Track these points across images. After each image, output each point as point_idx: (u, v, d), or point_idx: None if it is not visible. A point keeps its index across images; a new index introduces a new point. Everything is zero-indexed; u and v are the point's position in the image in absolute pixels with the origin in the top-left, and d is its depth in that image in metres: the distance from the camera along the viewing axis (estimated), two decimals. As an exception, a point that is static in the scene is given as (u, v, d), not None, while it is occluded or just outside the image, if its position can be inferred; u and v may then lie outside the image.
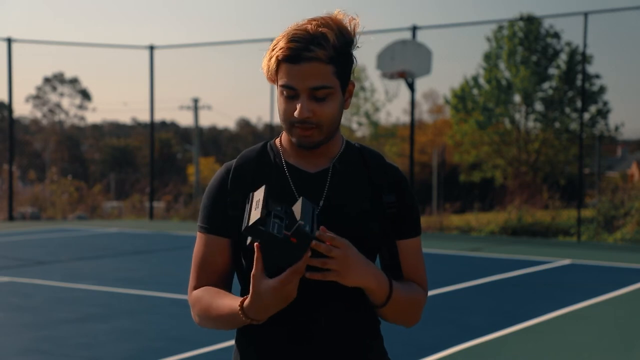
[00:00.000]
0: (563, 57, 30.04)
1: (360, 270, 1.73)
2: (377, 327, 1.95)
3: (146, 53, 19.40)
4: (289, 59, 1.78)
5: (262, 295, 1.67)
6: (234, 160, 1.93)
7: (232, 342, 5.78)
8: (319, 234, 1.66)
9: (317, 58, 1.77)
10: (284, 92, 1.81)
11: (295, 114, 1.79)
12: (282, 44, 1.79)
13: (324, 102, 1.80)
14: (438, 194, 30.67)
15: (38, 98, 55.50)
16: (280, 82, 1.81)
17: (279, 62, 1.80)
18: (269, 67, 1.84)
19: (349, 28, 1.83)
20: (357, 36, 1.85)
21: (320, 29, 1.79)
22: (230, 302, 1.79)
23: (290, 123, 1.82)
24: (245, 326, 1.89)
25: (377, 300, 1.82)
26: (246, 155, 1.94)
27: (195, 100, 34.31)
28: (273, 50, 1.81)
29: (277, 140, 1.95)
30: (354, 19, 1.85)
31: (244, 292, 1.89)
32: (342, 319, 1.84)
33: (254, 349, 1.88)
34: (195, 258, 1.93)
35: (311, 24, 1.80)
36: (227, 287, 1.92)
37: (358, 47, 1.86)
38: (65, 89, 55.78)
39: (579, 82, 28.97)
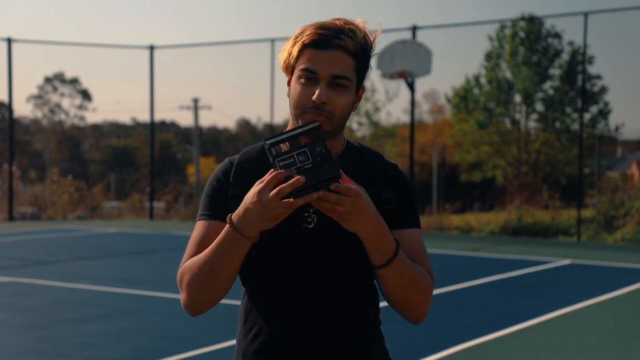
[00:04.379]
0: (565, 57, 30.01)
1: (364, 221, 1.71)
2: (378, 327, 1.96)
3: (146, 53, 19.43)
4: (316, 44, 1.81)
5: (247, 198, 1.69)
6: (237, 156, 1.94)
7: (232, 342, 5.79)
8: (336, 185, 1.64)
9: (345, 47, 1.81)
10: (303, 77, 1.82)
11: (314, 97, 1.80)
12: (310, 30, 1.82)
13: (341, 93, 1.83)
14: (438, 194, 30.63)
15: (39, 97, 55.47)
16: (300, 67, 1.83)
17: (303, 48, 1.83)
18: (290, 54, 1.85)
19: (370, 35, 1.88)
20: (375, 44, 1.89)
21: (348, 26, 1.84)
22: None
23: (302, 109, 1.82)
24: (248, 323, 1.90)
25: (377, 258, 1.78)
26: (248, 152, 1.95)
27: (195, 100, 34.24)
28: (297, 37, 1.84)
29: None
30: (376, 31, 1.90)
31: (245, 282, 1.92)
32: (344, 320, 1.85)
33: (257, 346, 1.88)
34: (194, 240, 1.90)
35: (339, 21, 1.85)
36: None
37: (376, 54, 1.91)
38: (66, 89, 55.76)
39: (580, 83, 28.95)
